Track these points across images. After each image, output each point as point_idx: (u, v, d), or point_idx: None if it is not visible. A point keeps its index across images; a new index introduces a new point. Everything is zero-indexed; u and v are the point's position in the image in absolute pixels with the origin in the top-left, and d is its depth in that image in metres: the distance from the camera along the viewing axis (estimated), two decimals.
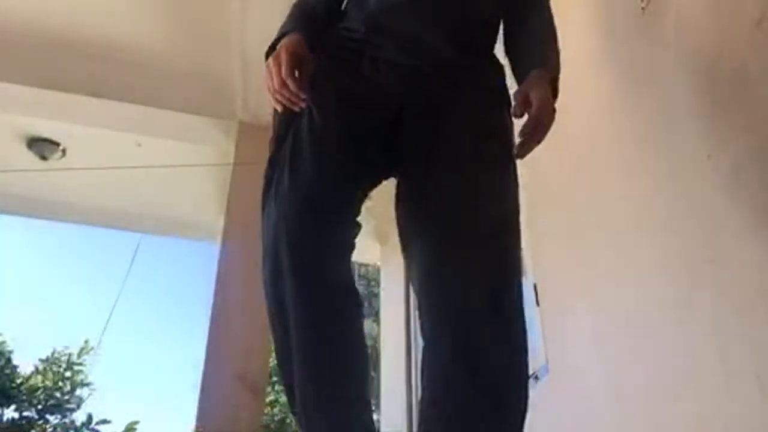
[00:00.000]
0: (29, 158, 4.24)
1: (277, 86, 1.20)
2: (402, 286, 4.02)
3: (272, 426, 8.65)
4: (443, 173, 1.25)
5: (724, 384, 1.42)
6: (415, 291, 1.26)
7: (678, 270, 1.62)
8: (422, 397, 1.13)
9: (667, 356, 1.62)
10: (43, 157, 4.26)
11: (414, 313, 3.71)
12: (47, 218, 5.07)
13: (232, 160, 3.67)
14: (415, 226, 1.26)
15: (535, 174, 2.36)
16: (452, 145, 1.26)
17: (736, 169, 1.42)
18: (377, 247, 4.49)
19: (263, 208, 1.25)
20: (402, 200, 1.32)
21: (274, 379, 4.51)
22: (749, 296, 1.38)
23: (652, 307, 1.71)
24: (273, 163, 1.28)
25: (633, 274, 1.81)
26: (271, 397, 5.73)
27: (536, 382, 2.23)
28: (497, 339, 1.10)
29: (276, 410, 6.63)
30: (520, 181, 1.35)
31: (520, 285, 1.19)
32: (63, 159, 4.32)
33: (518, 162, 1.34)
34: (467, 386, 1.06)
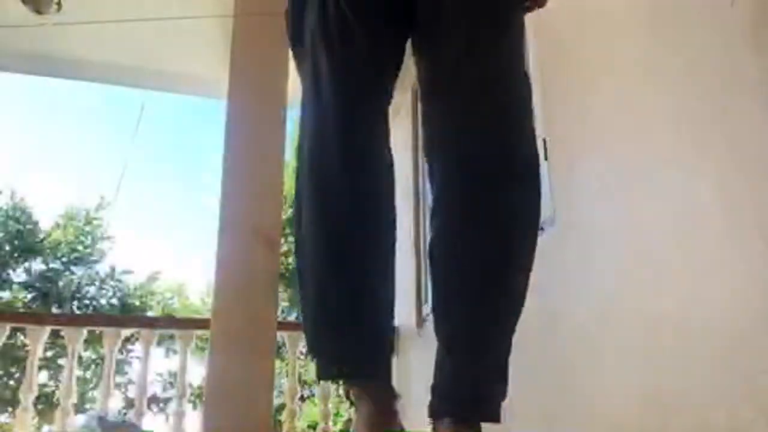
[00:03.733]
0: (24, 13, 4.09)
1: None
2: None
3: (287, 275, 9.08)
4: (451, 26, 1.20)
5: (728, 233, 1.46)
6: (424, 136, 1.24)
7: (688, 125, 1.61)
8: (431, 248, 1.14)
9: (674, 207, 1.65)
10: (39, 11, 4.11)
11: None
12: (46, 75, 4.90)
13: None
14: (428, 79, 1.23)
15: (545, 30, 2.29)
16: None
17: (755, 22, 1.38)
18: None
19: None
20: (417, 49, 1.25)
21: (287, 231, 4.55)
22: (755, 152, 1.38)
23: (660, 160, 1.72)
24: (295, 38, 1.22)
25: (643, 129, 1.81)
26: (285, 248, 5.91)
27: (542, 233, 2.29)
28: (507, 188, 1.11)
29: (290, 259, 6.86)
30: (531, 37, 1.31)
31: (532, 137, 1.18)
32: (60, 13, 4.17)
33: (528, 18, 1.29)
34: (476, 233, 1.08)
